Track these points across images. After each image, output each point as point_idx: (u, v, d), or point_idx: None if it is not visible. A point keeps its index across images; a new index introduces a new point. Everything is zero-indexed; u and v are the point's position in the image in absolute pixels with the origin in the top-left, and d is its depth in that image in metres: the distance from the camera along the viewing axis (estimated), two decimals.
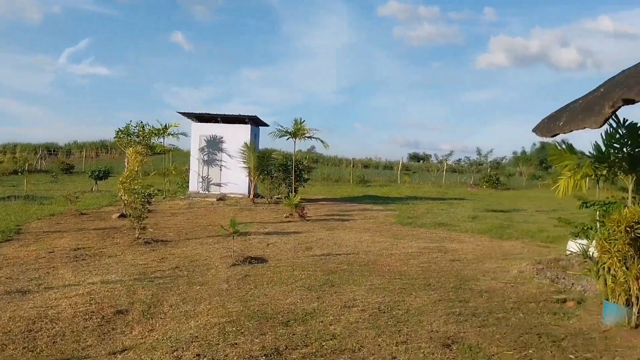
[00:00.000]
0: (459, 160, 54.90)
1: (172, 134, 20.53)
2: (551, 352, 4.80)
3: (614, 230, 5.34)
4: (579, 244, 6.49)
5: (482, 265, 8.91)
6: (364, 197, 25.14)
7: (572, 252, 7.38)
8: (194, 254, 9.33)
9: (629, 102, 4.17)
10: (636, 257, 5.25)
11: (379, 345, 4.91)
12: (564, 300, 6.48)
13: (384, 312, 5.94)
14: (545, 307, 6.25)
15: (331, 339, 5.03)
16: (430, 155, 69.20)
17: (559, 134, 5.83)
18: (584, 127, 5.01)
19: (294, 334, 5.14)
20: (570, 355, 4.71)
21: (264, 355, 4.57)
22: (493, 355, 4.73)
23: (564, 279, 7.55)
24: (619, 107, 4.29)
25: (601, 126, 4.66)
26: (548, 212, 19.67)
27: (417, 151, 78.75)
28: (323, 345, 4.86)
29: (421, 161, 68.24)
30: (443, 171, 44.12)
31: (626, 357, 4.68)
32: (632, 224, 5.23)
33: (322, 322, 5.55)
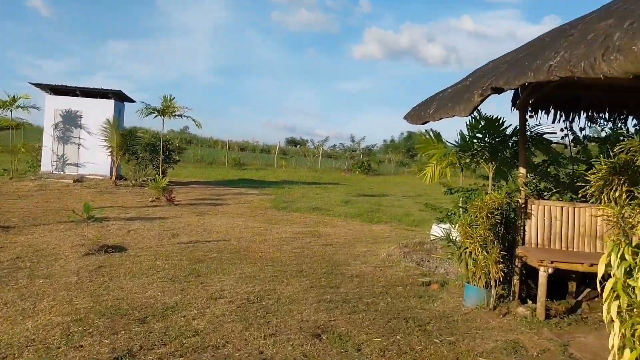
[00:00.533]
0: (334, 146, 56.25)
1: (21, 107, 18.25)
2: (417, 336, 4.85)
3: (476, 216, 5.54)
4: (443, 228, 6.71)
5: (354, 249, 8.98)
6: (240, 180, 24.62)
7: (436, 236, 7.65)
8: (40, 242, 8.27)
9: (498, 90, 4.25)
10: (496, 242, 5.50)
11: (246, 339, 4.60)
12: (429, 283, 6.67)
13: (253, 303, 5.65)
14: (412, 291, 6.38)
15: (193, 336, 4.62)
16: (307, 141, 70.15)
17: (429, 121, 5.91)
18: (454, 115, 5.07)
19: (151, 332, 4.64)
20: (435, 340, 4.79)
21: (114, 358, 4.05)
22: (362, 343, 4.65)
23: (428, 262, 7.82)
24: (488, 96, 4.37)
25: (470, 114, 4.73)
26: (414, 197, 20.74)
27: (294, 136, 79.52)
28: (184, 343, 4.44)
29: (298, 146, 68.92)
30: (319, 156, 44.88)
31: (485, 338, 4.86)
32: (493, 210, 5.45)
33: (184, 316, 5.11)
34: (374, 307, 5.70)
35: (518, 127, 6.02)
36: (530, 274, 6.02)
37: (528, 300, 5.76)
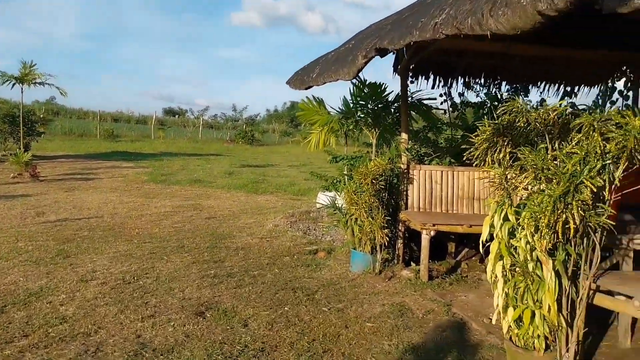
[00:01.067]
0: (215, 116, 54.52)
1: None
2: (306, 306, 4.73)
3: (361, 183, 5.50)
4: (328, 196, 6.65)
5: (238, 221, 8.68)
6: (113, 153, 23.00)
7: (322, 204, 7.59)
8: None
9: (382, 52, 4.14)
10: (381, 208, 5.51)
11: (121, 323, 4.18)
12: (316, 252, 6.60)
13: (129, 283, 5.18)
14: (299, 260, 6.26)
15: (61, 323, 4.11)
16: (187, 111, 67.39)
17: (312, 86, 5.72)
18: (337, 79, 4.91)
19: (10, 323, 4.06)
20: (324, 308, 4.70)
21: None
22: (249, 317, 4.44)
23: (315, 230, 7.77)
24: (372, 57, 4.25)
25: (354, 77, 4.60)
26: (299, 166, 20.77)
27: (172, 106, 76.04)
28: (49, 333, 3.93)
29: (177, 116, 66.07)
30: (199, 127, 43.36)
31: (372, 303, 4.87)
32: (377, 176, 5.44)
33: (50, 303, 4.55)
34: (260, 279, 5.49)
35: (400, 93, 6.04)
36: (413, 237, 6.16)
37: (412, 262, 5.90)
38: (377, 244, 5.54)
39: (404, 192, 5.95)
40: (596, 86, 6.70)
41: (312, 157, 23.28)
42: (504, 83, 6.55)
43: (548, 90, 6.62)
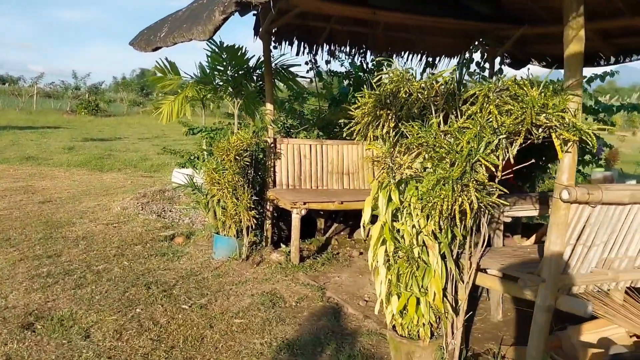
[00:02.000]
0: (53, 83, 48.70)
1: None
2: (162, 305, 4.08)
3: (223, 160, 4.89)
4: (185, 174, 5.93)
5: (80, 204, 7.55)
6: None
7: (178, 183, 6.82)
8: None
9: (243, 7, 3.51)
10: (246, 187, 4.97)
11: None
12: (172, 237, 5.90)
13: None
14: (153, 249, 5.52)
15: None
16: (19, 78, 59.53)
17: (160, 47, 4.87)
18: (191, 39, 4.17)
19: None
20: (184, 306, 4.10)
21: None
22: (92, 325, 3.69)
23: (171, 212, 7.00)
24: (232, 14, 3.59)
25: (211, 37, 3.90)
26: (151, 139, 19.26)
27: (0, 73, 66.99)
28: None
29: (6, 84, 58.23)
30: (34, 96, 38.54)
31: (240, 294, 4.36)
32: (241, 151, 4.87)
33: None
34: (106, 275, 4.69)
35: (262, 58, 5.50)
36: (282, 216, 5.74)
37: (281, 244, 5.47)
38: (244, 227, 5.01)
39: (271, 169, 5.46)
40: (456, 57, 6.75)
41: (166, 129, 21.71)
42: (369, 52, 6.30)
43: (411, 60, 6.55)
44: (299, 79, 5.91)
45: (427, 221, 2.62)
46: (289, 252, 5.12)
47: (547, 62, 6.84)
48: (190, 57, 6.04)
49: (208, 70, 5.67)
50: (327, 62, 6.37)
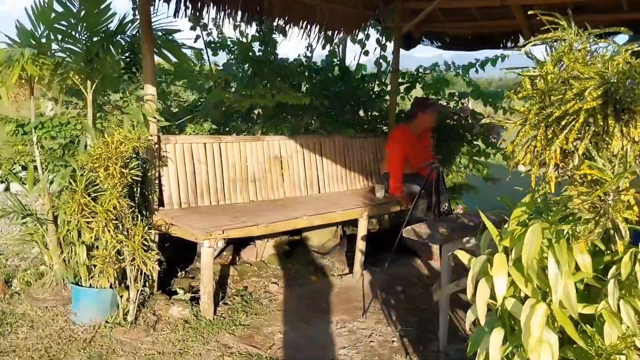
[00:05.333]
0: None
1: None
2: None
3: (97, 174, 3.09)
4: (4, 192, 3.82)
5: None
6: None
7: None
8: None
9: None
10: (139, 215, 3.23)
11: None
12: None
13: None
14: None
15: None
16: None
17: None
18: None
19: None
20: None
21: None
22: None
23: None
24: None
25: None
26: None
27: None
28: None
29: None
30: None
31: None
32: (128, 160, 3.12)
33: None
34: None
35: (137, 18, 3.72)
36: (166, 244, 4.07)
37: (177, 289, 3.84)
38: (131, 275, 3.28)
39: (156, 181, 3.76)
40: (354, 32, 5.73)
41: None
42: (265, 18, 4.84)
43: (309, 33, 5.30)
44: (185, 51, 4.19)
45: None
46: (195, 302, 3.57)
47: (443, 43, 6.27)
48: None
49: (37, 33, 3.65)
50: (219, 30, 4.79)
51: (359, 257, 4.48)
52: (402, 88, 6.04)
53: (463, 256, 1.89)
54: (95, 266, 3.31)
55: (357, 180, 5.31)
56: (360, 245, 4.48)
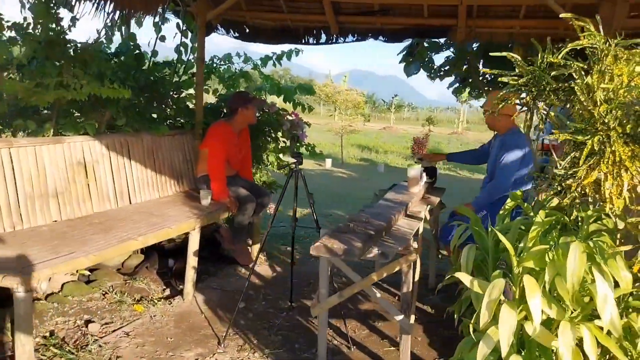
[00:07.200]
0: None
1: None
2: None
3: None
4: None
5: None
6: None
7: None
8: None
9: None
10: None
11: None
12: None
13: None
14: None
15: None
16: None
17: None
18: None
19: None
20: None
21: None
22: None
23: None
24: None
25: None
26: None
27: None
28: None
29: None
30: None
31: None
32: None
33: None
34: None
35: None
36: None
37: None
38: None
39: None
40: (151, 14, 4.88)
41: None
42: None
43: (103, 10, 4.28)
44: None
45: None
46: None
47: (241, 33, 5.88)
48: None
49: None
50: None
51: (190, 276, 3.88)
52: None
53: (465, 278, 1.64)
54: None
55: (168, 185, 4.60)
56: (192, 261, 3.88)
